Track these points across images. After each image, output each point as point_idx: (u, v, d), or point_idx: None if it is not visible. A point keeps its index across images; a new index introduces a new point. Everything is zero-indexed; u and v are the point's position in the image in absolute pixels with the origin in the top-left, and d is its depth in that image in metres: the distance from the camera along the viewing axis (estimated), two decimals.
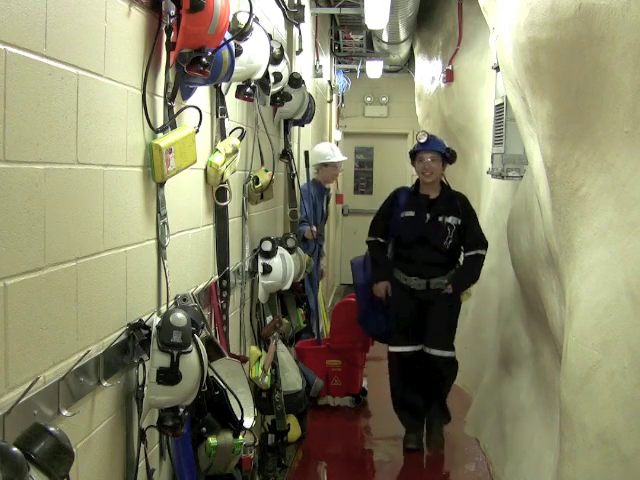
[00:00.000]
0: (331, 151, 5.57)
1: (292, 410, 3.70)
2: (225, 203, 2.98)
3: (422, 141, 4.26)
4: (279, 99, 3.76)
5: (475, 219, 4.39)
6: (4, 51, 1.35)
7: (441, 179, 4.37)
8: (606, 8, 1.74)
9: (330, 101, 8.26)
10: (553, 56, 2.04)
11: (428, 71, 7.29)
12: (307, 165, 5.20)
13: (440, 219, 4.27)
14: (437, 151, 4.28)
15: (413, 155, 4.40)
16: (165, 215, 2.24)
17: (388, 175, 10.30)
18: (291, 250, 3.90)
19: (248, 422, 2.58)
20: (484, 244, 4.32)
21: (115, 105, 1.89)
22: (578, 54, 1.90)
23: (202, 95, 2.70)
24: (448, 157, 4.31)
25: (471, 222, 4.32)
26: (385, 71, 9.62)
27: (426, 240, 4.28)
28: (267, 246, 3.62)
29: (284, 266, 3.66)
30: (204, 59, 2.14)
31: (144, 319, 2.07)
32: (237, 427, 2.47)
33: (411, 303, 4.36)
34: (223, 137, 2.93)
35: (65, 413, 1.61)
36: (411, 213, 4.33)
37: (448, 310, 4.35)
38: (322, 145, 5.86)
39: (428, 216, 4.30)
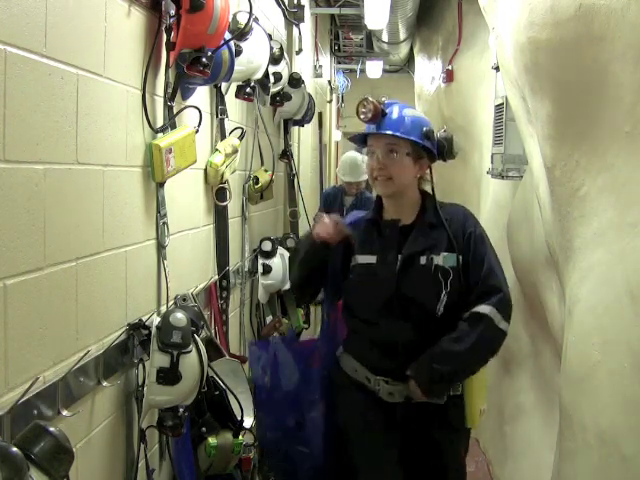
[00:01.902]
0: (347, 169, 5.58)
1: None
2: (225, 203, 2.98)
3: (367, 116, 2.23)
4: (279, 99, 3.76)
5: (485, 250, 2.28)
6: (4, 51, 1.35)
7: (420, 188, 2.37)
8: (606, 8, 1.74)
9: (330, 101, 8.26)
10: (553, 56, 2.04)
11: (428, 71, 7.28)
12: None
13: (423, 261, 2.23)
14: (402, 138, 2.23)
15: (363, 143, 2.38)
16: (165, 215, 2.24)
17: None
18: (291, 250, 3.90)
19: (248, 422, 2.58)
20: (502, 301, 2.23)
21: (115, 105, 1.89)
22: (578, 54, 1.90)
23: (202, 95, 2.70)
24: (430, 149, 2.28)
25: (478, 255, 2.26)
26: (385, 71, 9.63)
27: (401, 305, 2.23)
28: (267, 246, 3.62)
29: (284, 266, 3.66)
30: (204, 59, 2.14)
31: (144, 319, 2.07)
32: (237, 427, 2.47)
33: (379, 428, 2.26)
34: (223, 137, 2.93)
35: (65, 413, 1.61)
36: (370, 258, 2.30)
37: (451, 454, 2.33)
38: (344, 157, 5.87)
39: (399, 259, 2.24)
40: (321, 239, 2.27)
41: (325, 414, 2.40)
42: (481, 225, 2.36)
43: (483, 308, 2.18)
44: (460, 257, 2.23)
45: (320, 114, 7.00)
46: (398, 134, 2.22)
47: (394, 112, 2.27)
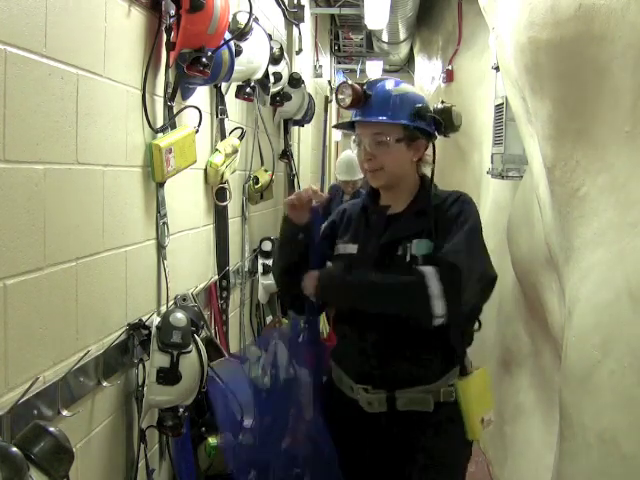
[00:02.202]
0: (344, 167, 5.61)
1: None
2: (225, 203, 2.98)
3: (346, 102, 1.98)
4: (279, 99, 3.76)
5: (463, 233, 1.92)
6: (4, 51, 1.35)
7: (418, 175, 2.09)
8: (606, 8, 1.74)
9: (330, 101, 8.26)
10: (553, 56, 2.04)
11: (428, 71, 7.28)
12: None
13: (399, 251, 1.96)
14: (391, 123, 1.97)
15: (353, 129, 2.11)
16: (165, 215, 2.24)
17: None
18: None
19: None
20: (452, 278, 1.83)
21: (115, 105, 1.89)
22: (578, 54, 1.90)
23: (202, 95, 2.70)
24: (426, 130, 1.99)
25: (452, 235, 1.92)
26: (385, 71, 9.63)
27: None
28: (267, 246, 3.62)
29: None
30: (204, 59, 2.14)
31: (144, 319, 2.07)
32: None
33: (363, 445, 2.02)
34: (223, 137, 2.93)
35: (65, 413, 1.62)
36: (352, 248, 2.07)
37: (446, 471, 2.07)
38: (340, 156, 5.90)
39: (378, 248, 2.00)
40: (290, 203, 2.03)
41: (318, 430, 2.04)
42: (476, 213, 1.99)
43: (425, 268, 1.84)
44: (434, 243, 1.90)
45: (326, 98, 7.02)
46: (384, 119, 1.95)
47: (379, 93, 1.97)
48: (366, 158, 2.00)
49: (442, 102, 2.05)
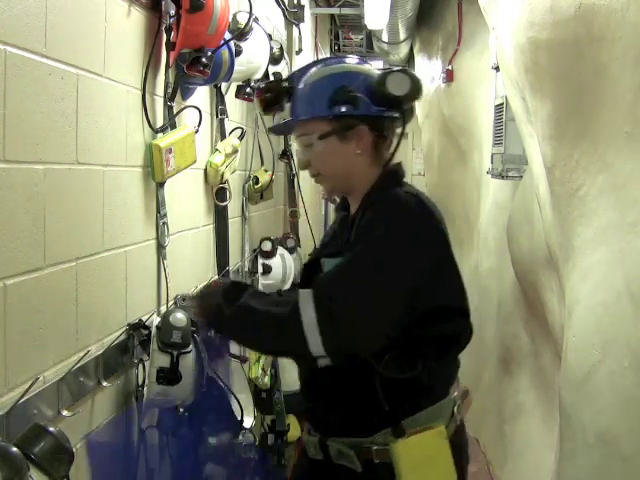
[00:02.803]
0: None
1: (292, 410, 3.70)
2: (225, 203, 2.98)
3: (262, 107, 1.74)
4: None
5: (362, 248, 1.54)
6: (4, 51, 1.35)
7: (381, 169, 1.68)
8: (606, 8, 1.74)
9: None
10: (553, 56, 2.04)
11: (428, 71, 7.28)
12: None
13: (319, 270, 1.67)
14: (308, 120, 1.65)
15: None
16: (165, 215, 2.24)
17: None
18: (291, 250, 3.90)
19: (248, 422, 2.58)
20: (327, 296, 1.49)
21: (115, 105, 1.89)
22: (578, 54, 1.90)
23: (202, 95, 2.70)
24: (365, 115, 1.61)
25: (350, 251, 1.57)
26: None
27: None
28: (267, 246, 3.62)
29: (284, 266, 3.66)
30: (204, 59, 2.14)
31: (144, 319, 2.07)
32: (237, 427, 2.47)
33: None
34: (223, 137, 2.93)
35: (65, 413, 1.61)
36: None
37: None
38: None
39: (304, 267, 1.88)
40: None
41: None
42: (399, 221, 1.54)
43: (303, 291, 1.52)
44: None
45: None
46: (299, 118, 1.63)
47: (297, 86, 1.65)
48: (302, 166, 1.73)
49: (388, 67, 1.79)
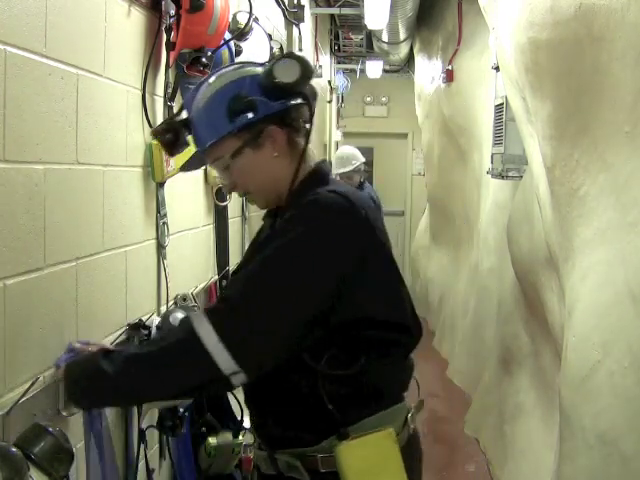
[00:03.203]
0: (334, 162, 5.72)
1: None
2: (225, 203, 2.98)
3: (165, 150, 1.64)
4: None
5: (269, 253, 1.42)
6: (4, 51, 1.35)
7: (305, 167, 1.56)
8: (606, 8, 1.74)
9: (330, 101, 8.26)
10: (553, 56, 2.04)
11: (428, 71, 7.28)
12: None
13: None
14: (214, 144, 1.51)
15: None
16: (165, 215, 2.24)
17: (388, 175, 10.30)
18: None
19: (248, 422, 2.58)
20: (221, 312, 1.40)
21: (115, 105, 1.89)
22: (578, 54, 1.90)
23: None
24: (268, 114, 1.48)
25: (259, 255, 1.44)
26: (385, 71, 9.61)
27: None
28: None
29: None
30: (204, 59, 2.14)
31: (144, 319, 2.07)
32: (237, 427, 2.47)
33: None
34: None
35: (65, 413, 1.61)
36: None
37: None
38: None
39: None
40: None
41: None
42: (314, 225, 1.42)
43: (194, 314, 1.49)
44: None
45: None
46: (203, 147, 1.52)
47: (191, 113, 1.56)
48: (228, 188, 1.63)
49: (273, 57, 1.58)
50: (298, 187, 1.51)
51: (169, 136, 1.56)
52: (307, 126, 1.54)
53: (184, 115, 1.60)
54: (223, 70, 1.58)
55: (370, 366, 1.45)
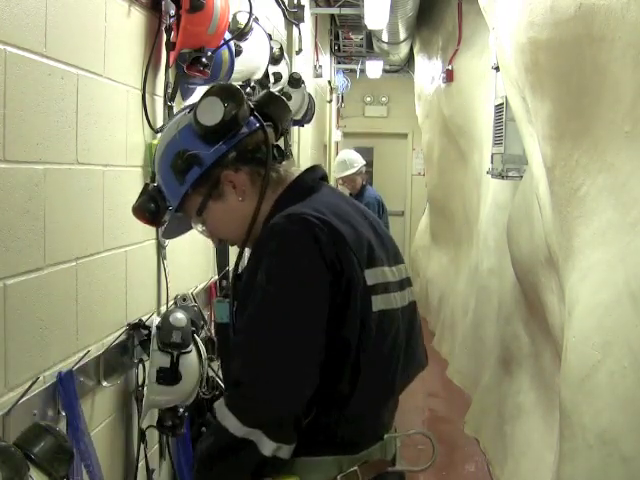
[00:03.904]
0: (335, 166, 5.81)
1: None
2: None
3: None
4: None
5: (253, 303, 1.30)
6: (4, 51, 1.35)
7: (267, 203, 1.42)
8: (606, 8, 1.74)
9: (330, 101, 8.26)
10: (553, 56, 2.04)
11: (428, 71, 7.28)
12: None
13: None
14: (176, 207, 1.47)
15: None
16: None
17: (388, 175, 10.30)
18: None
19: None
20: (234, 397, 1.31)
21: (115, 105, 1.89)
22: (578, 54, 1.90)
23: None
24: (216, 162, 1.38)
25: (243, 311, 1.34)
26: (385, 71, 9.61)
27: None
28: None
29: None
30: (204, 59, 2.14)
31: (144, 319, 2.07)
32: None
33: None
34: None
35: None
36: None
37: None
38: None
39: None
40: None
41: None
42: (281, 252, 1.30)
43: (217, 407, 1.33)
44: (235, 305, 1.39)
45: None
46: (169, 216, 1.50)
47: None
48: (215, 243, 1.64)
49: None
50: (268, 216, 1.39)
51: (152, 206, 1.51)
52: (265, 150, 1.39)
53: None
54: (165, 129, 1.51)
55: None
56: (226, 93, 1.37)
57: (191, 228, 1.53)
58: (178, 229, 1.56)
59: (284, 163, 1.45)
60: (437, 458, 1.48)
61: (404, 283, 1.47)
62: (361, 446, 1.37)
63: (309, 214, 1.30)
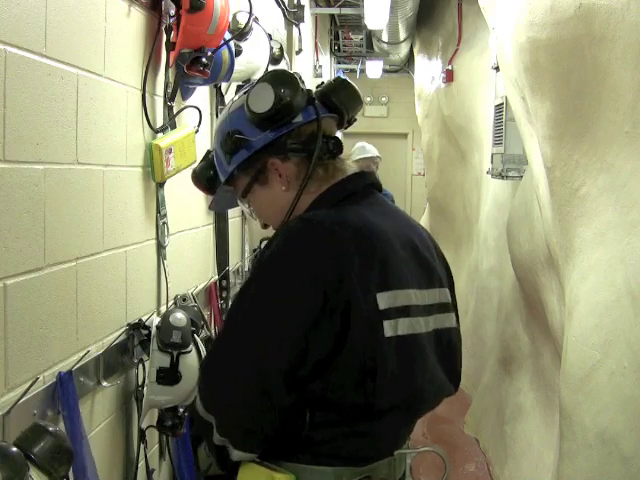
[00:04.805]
0: (357, 151, 5.70)
1: None
2: None
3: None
4: None
5: (234, 310, 1.33)
6: (4, 51, 1.35)
7: (310, 198, 1.38)
8: (606, 8, 1.74)
9: None
10: (553, 56, 2.04)
11: (428, 71, 7.29)
12: None
13: None
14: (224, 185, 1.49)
15: None
16: (165, 215, 2.24)
17: (388, 175, 10.28)
18: None
19: None
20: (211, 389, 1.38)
21: (115, 105, 1.89)
22: (578, 54, 1.90)
23: (202, 95, 2.70)
24: (264, 148, 1.37)
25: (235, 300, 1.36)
26: (385, 71, 9.62)
27: None
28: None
29: None
30: (204, 59, 2.14)
31: (144, 319, 2.07)
32: None
33: None
34: None
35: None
36: None
37: None
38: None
39: None
40: None
41: None
42: (277, 260, 1.28)
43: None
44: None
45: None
46: (218, 190, 1.52)
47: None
48: (261, 225, 1.56)
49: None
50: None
51: (211, 172, 1.52)
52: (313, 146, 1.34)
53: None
54: (228, 103, 1.49)
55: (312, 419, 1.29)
56: (280, 80, 1.34)
57: (237, 205, 1.52)
58: (226, 203, 1.56)
59: (339, 158, 1.40)
60: (449, 476, 1.44)
61: (434, 308, 1.38)
62: (367, 460, 1.34)
63: (323, 225, 1.26)
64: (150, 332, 2.01)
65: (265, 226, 1.52)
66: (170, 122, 2.24)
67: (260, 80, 1.36)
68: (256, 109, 1.32)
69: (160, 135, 2.16)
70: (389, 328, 1.26)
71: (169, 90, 2.22)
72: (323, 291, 1.21)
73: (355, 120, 1.46)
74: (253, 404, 1.25)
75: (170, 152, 2.14)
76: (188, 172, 2.45)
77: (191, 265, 2.64)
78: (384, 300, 1.26)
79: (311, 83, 6.01)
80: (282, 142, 1.35)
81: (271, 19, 4.07)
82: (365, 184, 1.42)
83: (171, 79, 2.23)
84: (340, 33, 8.43)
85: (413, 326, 1.31)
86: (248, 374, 1.23)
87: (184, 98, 2.45)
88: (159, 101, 2.21)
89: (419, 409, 1.39)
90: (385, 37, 6.96)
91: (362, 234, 1.27)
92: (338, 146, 1.38)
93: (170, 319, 2.00)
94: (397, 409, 1.32)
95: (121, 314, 1.99)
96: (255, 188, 1.40)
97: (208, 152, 1.54)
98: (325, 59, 7.61)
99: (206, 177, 1.54)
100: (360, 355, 1.23)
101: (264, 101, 1.32)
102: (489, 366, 4.61)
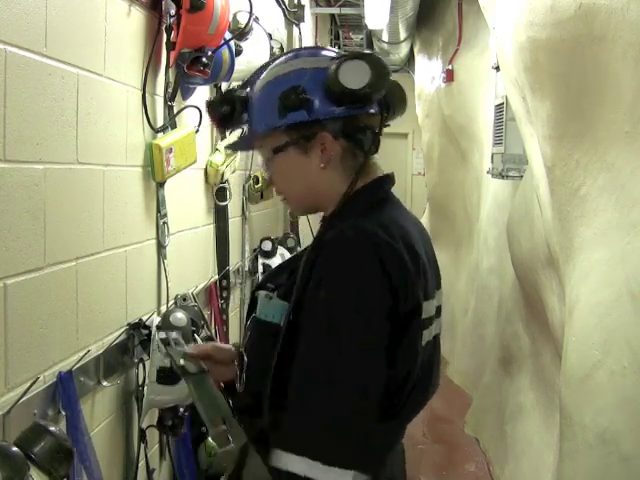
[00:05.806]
0: None
1: None
2: (225, 203, 2.98)
3: (215, 121, 1.42)
4: None
5: (314, 318, 1.19)
6: (4, 51, 1.35)
7: (352, 186, 1.30)
8: (606, 8, 1.74)
9: None
10: (553, 56, 2.04)
11: (428, 71, 7.29)
12: None
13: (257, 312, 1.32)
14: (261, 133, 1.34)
15: None
16: (165, 215, 2.24)
17: None
18: (291, 250, 3.90)
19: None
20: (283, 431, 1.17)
21: (115, 105, 1.89)
22: (578, 54, 1.90)
23: (202, 95, 2.70)
24: (325, 119, 1.28)
25: (303, 324, 1.20)
26: None
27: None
28: (267, 246, 3.62)
29: None
30: (204, 59, 2.14)
31: (144, 319, 2.07)
32: None
33: None
34: (223, 137, 2.93)
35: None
36: None
37: None
38: None
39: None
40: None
41: None
42: (346, 273, 1.19)
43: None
44: (291, 313, 1.23)
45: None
46: (247, 134, 1.40)
47: (253, 93, 1.37)
48: (268, 181, 1.49)
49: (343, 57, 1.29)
50: (340, 208, 1.29)
51: (225, 108, 1.36)
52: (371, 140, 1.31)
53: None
54: (294, 53, 1.38)
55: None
56: (379, 65, 1.27)
57: (248, 149, 1.47)
58: (246, 146, 1.58)
59: (375, 157, 1.36)
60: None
61: (437, 312, 1.40)
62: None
63: (378, 234, 1.21)
64: (150, 332, 2.01)
65: (270, 184, 1.43)
66: (170, 122, 2.24)
67: (356, 56, 1.27)
68: (345, 82, 1.24)
69: (160, 135, 2.17)
70: (424, 337, 1.27)
71: (169, 90, 2.22)
72: (393, 302, 1.18)
73: (388, 125, 1.40)
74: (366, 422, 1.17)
75: (170, 152, 2.14)
76: (188, 172, 2.46)
77: (191, 265, 2.64)
78: (426, 310, 1.26)
79: None
80: (345, 123, 1.29)
81: (271, 19, 4.07)
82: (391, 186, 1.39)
83: (171, 79, 2.23)
84: (340, 33, 8.43)
85: (431, 333, 1.32)
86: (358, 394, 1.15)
87: (184, 98, 2.45)
88: (159, 101, 2.21)
89: (418, 413, 1.39)
90: (385, 37, 6.96)
91: (408, 244, 1.25)
92: (378, 146, 1.35)
93: (170, 319, 2.00)
94: (406, 413, 1.31)
95: (121, 314, 1.99)
96: (289, 151, 1.31)
97: (233, 90, 1.42)
98: None
99: (221, 113, 1.38)
100: (407, 362, 1.23)
101: (358, 78, 1.24)
102: (489, 366, 4.61)
